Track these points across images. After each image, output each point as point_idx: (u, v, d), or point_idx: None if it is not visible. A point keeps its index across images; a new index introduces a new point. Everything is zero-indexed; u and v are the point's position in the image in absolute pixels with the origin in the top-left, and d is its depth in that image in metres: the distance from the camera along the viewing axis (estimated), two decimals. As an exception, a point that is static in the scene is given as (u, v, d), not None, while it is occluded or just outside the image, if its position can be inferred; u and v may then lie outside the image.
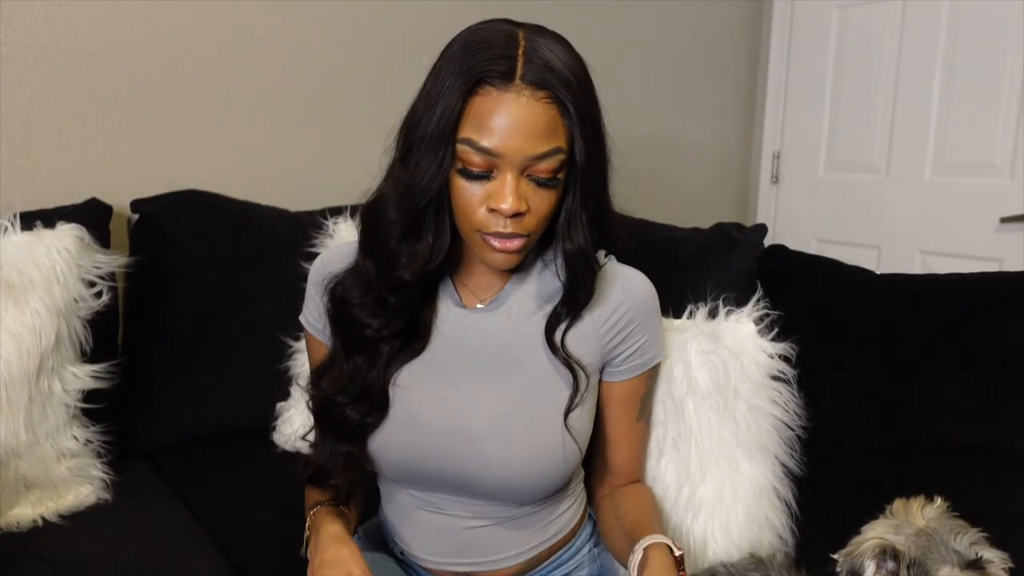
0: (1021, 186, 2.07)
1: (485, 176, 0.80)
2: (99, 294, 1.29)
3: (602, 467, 1.03)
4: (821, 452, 1.16)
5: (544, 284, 0.93)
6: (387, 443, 0.91)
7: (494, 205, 0.79)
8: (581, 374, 0.90)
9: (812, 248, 2.51)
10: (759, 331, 1.13)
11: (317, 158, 1.86)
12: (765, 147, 2.69)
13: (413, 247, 0.84)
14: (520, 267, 0.93)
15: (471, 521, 0.92)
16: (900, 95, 2.30)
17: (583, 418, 0.93)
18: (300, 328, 1.05)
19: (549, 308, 0.92)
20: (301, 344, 1.53)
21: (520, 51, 0.78)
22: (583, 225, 0.85)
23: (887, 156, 2.36)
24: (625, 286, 0.94)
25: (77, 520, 1.22)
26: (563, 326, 0.91)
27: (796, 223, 2.63)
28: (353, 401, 0.89)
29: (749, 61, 2.69)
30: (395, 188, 0.84)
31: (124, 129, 1.62)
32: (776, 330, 1.14)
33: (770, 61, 2.64)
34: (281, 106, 1.81)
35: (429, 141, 0.80)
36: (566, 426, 0.90)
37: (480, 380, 0.91)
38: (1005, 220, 2.09)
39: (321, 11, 1.82)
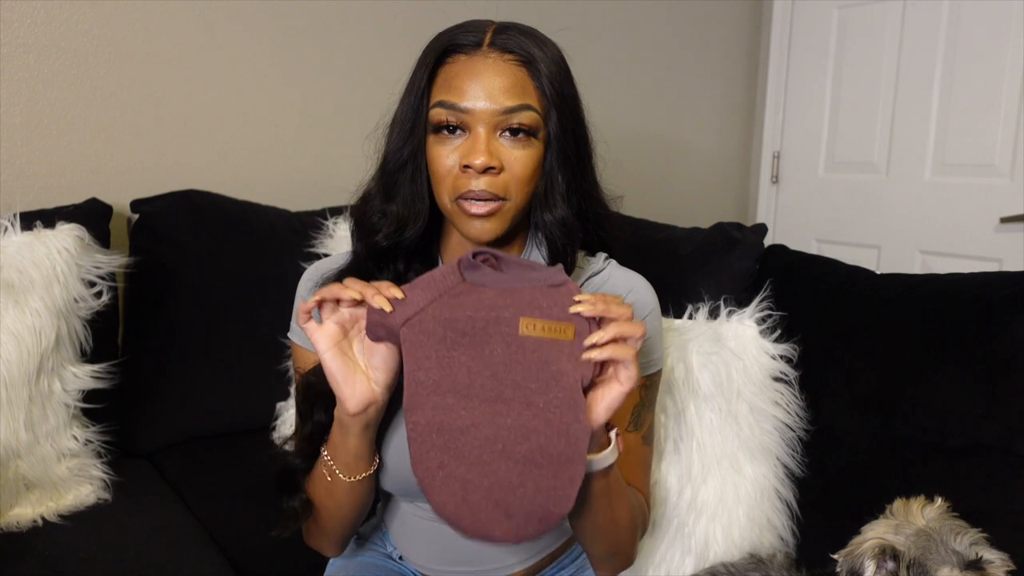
0: (1021, 186, 2.07)
1: (458, 133, 0.81)
2: (99, 294, 1.29)
3: None
4: (821, 452, 1.16)
5: None
6: (399, 453, 0.86)
7: (466, 161, 0.80)
8: None
9: (812, 248, 2.51)
10: (761, 332, 1.13)
11: (317, 158, 1.86)
12: (765, 147, 2.69)
13: (389, 212, 0.85)
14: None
15: None
16: (900, 95, 2.30)
17: None
18: (300, 328, 1.04)
19: None
20: (301, 344, 1.52)
21: (491, 29, 0.83)
22: (562, 195, 0.85)
23: (887, 156, 2.36)
24: (624, 287, 0.92)
25: (77, 520, 1.22)
26: None
27: (796, 223, 2.62)
28: None
29: (749, 61, 2.68)
30: (378, 171, 0.87)
31: (124, 129, 1.62)
32: (778, 331, 1.14)
33: (770, 61, 2.64)
34: (281, 106, 1.81)
35: (403, 112, 0.84)
36: None
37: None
38: (1005, 220, 2.09)
39: (322, 11, 1.82)
